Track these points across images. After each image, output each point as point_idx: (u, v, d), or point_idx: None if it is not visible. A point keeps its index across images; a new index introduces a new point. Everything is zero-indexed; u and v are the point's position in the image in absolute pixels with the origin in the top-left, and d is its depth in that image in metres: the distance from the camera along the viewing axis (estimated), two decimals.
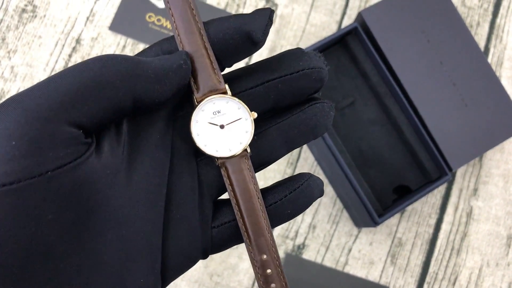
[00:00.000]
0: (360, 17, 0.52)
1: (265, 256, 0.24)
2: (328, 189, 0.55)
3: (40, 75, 0.57)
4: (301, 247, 0.54)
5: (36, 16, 0.58)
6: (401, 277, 0.54)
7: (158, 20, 0.58)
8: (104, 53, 0.57)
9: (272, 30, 0.58)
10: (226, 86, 0.24)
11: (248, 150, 0.24)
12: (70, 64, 0.56)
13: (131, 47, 0.58)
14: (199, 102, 0.24)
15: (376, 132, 0.54)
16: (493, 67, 0.58)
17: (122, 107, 0.21)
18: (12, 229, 0.18)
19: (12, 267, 0.19)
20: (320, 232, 0.54)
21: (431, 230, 0.55)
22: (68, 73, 0.20)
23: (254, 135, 0.24)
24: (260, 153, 0.25)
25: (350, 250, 0.54)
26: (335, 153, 0.49)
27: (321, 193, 0.25)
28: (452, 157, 0.50)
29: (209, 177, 0.25)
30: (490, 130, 0.51)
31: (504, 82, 0.58)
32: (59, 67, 0.57)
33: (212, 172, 0.25)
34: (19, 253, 0.19)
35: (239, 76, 0.25)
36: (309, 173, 0.25)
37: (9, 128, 0.19)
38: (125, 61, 0.21)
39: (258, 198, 0.24)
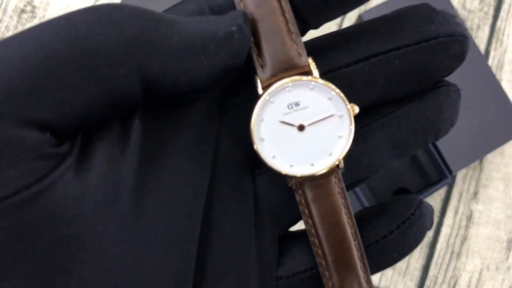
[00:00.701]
0: (360, 20, 0.52)
1: None
2: None
3: None
4: None
5: (35, 16, 0.58)
6: (400, 281, 0.54)
7: None
8: None
9: None
10: (310, 61, 0.15)
11: (342, 166, 0.16)
12: None
13: None
14: (265, 88, 0.15)
15: None
16: (494, 70, 0.58)
17: (125, 94, 0.13)
18: None
19: None
20: None
21: (431, 234, 0.55)
22: (35, 32, 0.12)
23: None
24: (355, 165, 0.17)
25: None
26: None
27: (432, 225, 0.17)
28: (452, 160, 0.50)
29: (274, 202, 0.16)
30: (491, 133, 0.51)
31: (505, 85, 0.58)
32: None
33: (280, 195, 0.16)
34: None
35: (330, 46, 0.16)
36: (417, 197, 0.17)
37: None
38: (137, 17, 0.13)
39: (355, 239, 0.15)
